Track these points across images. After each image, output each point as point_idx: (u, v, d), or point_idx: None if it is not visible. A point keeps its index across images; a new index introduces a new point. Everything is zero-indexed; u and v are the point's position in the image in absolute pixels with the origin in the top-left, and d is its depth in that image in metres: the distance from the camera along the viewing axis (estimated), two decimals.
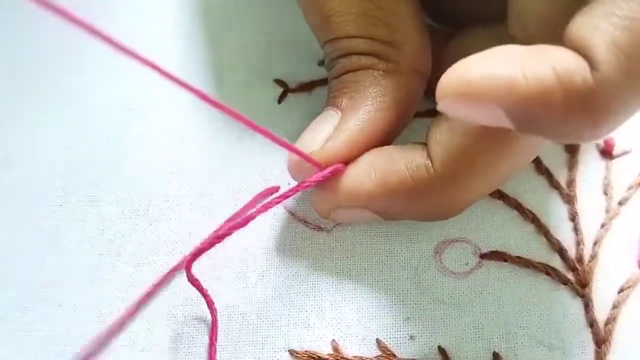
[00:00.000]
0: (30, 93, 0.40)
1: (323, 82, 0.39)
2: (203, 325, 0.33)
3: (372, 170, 0.31)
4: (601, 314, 0.32)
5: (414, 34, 0.32)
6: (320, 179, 0.31)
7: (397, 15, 0.32)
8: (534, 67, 0.23)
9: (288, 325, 0.33)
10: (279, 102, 0.39)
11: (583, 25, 0.24)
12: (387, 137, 0.32)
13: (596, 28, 0.23)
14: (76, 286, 0.34)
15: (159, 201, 0.36)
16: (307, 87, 0.40)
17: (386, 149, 0.31)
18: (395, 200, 0.31)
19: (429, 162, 0.29)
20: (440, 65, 0.28)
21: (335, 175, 0.31)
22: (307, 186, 0.31)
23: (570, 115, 0.23)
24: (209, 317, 0.32)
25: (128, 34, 0.40)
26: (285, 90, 0.39)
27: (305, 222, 0.35)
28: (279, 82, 0.40)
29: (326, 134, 0.32)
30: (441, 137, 0.29)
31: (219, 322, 0.32)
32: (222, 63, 0.40)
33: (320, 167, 0.31)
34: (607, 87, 0.22)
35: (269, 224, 0.35)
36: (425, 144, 0.30)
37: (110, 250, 0.35)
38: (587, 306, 0.32)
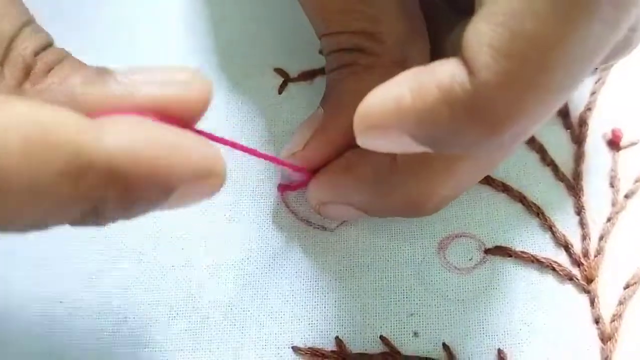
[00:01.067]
0: None
1: (324, 70, 0.38)
2: None
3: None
4: (607, 310, 0.32)
5: (397, 24, 0.31)
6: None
7: (378, 7, 0.31)
8: (418, 85, 0.23)
9: (291, 322, 0.32)
10: (280, 92, 0.38)
11: (468, 31, 0.23)
12: None
13: (476, 31, 0.22)
14: (77, 282, 0.34)
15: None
16: (307, 75, 0.39)
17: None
18: (364, 192, 0.31)
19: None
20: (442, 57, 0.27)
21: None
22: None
23: (462, 126, 0.22)
24: None
25: (132, 27, 0.40)
26: (286, 79, 0.39)
27: (309, 222, 0.35)
28: (279, 71, 0.39)
29: (307, 130, 0.32)
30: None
31: (222, 319, 0.33)
32: (222, 53, 0.40)
33: (303, 171, 0.32)
34: (486, 90, 0.22)
35: (272, 223, 0.35)
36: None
37: (111, 246, 0.35)
38: (593, 302, 0.32)
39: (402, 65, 0.31)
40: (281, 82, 0.39)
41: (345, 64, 0.32)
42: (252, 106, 0.38)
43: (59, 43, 0.25)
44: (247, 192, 0.36)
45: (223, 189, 0.34)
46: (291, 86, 0.39)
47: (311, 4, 0.32)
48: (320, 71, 0.39)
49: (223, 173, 0.23)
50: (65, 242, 0.35)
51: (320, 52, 0.39)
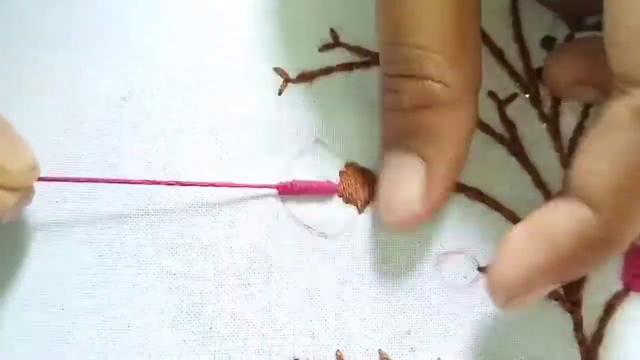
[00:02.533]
0: (12, 75, 0.37)
1: (324, 72, 0.38)
2: None
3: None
4: (590, 330, 0.34)
5: (475, 53, 0.31)
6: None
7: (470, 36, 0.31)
8: (545, 244, 0.27)
9: (293, 335, 0.34)
10: (280, 93, 0.38)
11: (582, 171, 0.27)
12: None
13: (593, 172, 0.26)
14: (78, 289, 0.34)
15: (158, 199, 0.36)
16: (307, 77, 0.38)
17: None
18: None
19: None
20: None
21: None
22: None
23: (596, 258, 0.27)
24: None
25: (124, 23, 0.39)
26: (286, 80, 0.38)
27: (308, 227, 0.36)
28: (279, 70, 0.39)
29: (419, 185, 0.31)
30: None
31: (224, 330, 0.33)
32: (220, 53, 0.39)
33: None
34: (612, 222, 0.26)
35: (272, 229, 0.35)
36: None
37: (111, 251, 0.34)
38: (577, 323, 0.34)
39: (476, 93, 0.32)
40: (281, 82, 0.38)
41: (434, 102, 0.30)
42: (252, 108, 0.38)
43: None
44: (248, 198, 0.36)
45: (224, 196, 0.35)
46: (291, 87, 0.38)
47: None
48: (321, 72, 0.38)
49: None
50: (67, 250, 0.34)
51: (321, 49, 0.39)
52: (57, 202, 0.35)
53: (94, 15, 0.39)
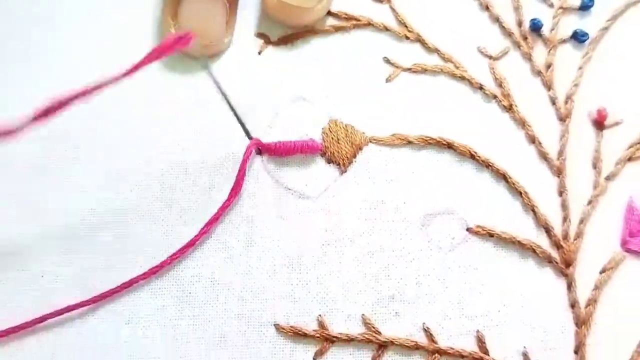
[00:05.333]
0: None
1: (305, 34, 0.38)
2: None
3: None
4: (583, 294, 0.33)
5: None
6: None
7: None
8: None
9: (274, 299, 0.33)
10: (259, 53, 0.37)
11: None
12: None
13: None
14: (57, 255, 0.33)
15: (141, 167, 0.35)
16: (288, 39, 0.38)
17: None
18: None
19: None
20: None
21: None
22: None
23: None
24: None
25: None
26: (266, 42, 0.38)
27: (289, 189, 0.34)
28: (261, 35, 0.38)
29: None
30: None
31: (204, 294, 0.32)
32: None
33: None
34: None
35: (252, 192, 0.34)
36: None
37: (92, 219, 0.34)
38: (570, 286, 0.33)
39: None
40: (261, 44, 0.38)
41: None
42: (233, 67, 0.37)
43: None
44: (227, 158, 0.35)
45: (204, 157, 0.34)
46: (272, 49, 0.38)
47: None
48: (300, 35, 0.38)
49: None
50: (45, 211, 0.34)
51: None
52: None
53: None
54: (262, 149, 0.35)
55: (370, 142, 0.35)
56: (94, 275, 0.33)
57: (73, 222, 0.34)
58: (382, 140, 0.35)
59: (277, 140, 0.35)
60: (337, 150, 0.35)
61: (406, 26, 0.38)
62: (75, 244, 0.33)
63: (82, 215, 0.34)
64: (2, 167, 0.34)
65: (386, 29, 0.38)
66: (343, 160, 0.35)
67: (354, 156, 0.35)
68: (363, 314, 0.32)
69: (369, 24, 0.38)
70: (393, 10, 0.39)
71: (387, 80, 0.37)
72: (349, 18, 0.38)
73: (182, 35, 0.33)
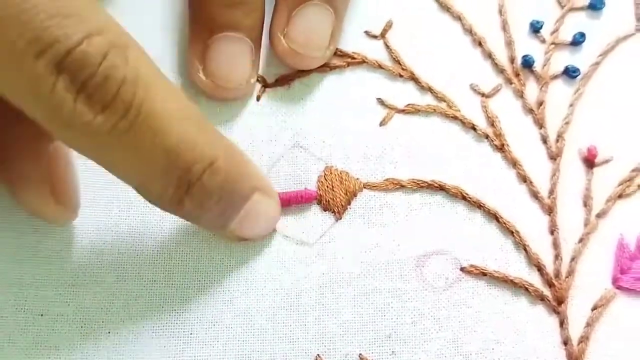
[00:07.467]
0: None
1: (300, 73, 0.39)
2: None
3: None
4: (576, 331, 0.33)
5: None
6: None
7: None
8: None
9: (273, 340, 0.33)
10: (258, 99, 0.38)
11: None
12: None
13: None
14: (57, 295, 0.34)
15: (140, 205, 0.36)
16: (284, 80, 0.39)
17: None
18: None
19: None
20: None
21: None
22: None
23: None
24: None
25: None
26: (264, 85, 0.38)
27: (287, 236, 0.35)
28: (260, 78, 0.39)
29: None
30: None
31: (204, 335, 0.33)
32: None
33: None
34: None
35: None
36: None
37: (91, 259, 0.35)
38: (562, 323, 0.33)
39: None
40: (259, 88, 0.39)
41: None
42: (232, 114, 0.38)
43: None
44: None
45: None
46: (269, 92, 0.38)
47: None
48: (296, 75, 0.39)
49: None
50: (43, 249, 0.35)
51: None
52: None
53: None
54: None
55: (365, 187, 0.36)
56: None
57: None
58: (376, 186, 0.36)
59: None
60: (332, 198, 0.36)
61: (400, 63, 0.39)
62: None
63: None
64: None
65: (380, 67, 0.39)
66: (338, 208, 0.36)
67: (349, 203, 0.36)
68: (360, 353, 0.33)
69: (363, 62, 0.39)
70: (387, 47, 0.39)
71: (381, 124, 0.38)
72: (343, 55, 0.39)
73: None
